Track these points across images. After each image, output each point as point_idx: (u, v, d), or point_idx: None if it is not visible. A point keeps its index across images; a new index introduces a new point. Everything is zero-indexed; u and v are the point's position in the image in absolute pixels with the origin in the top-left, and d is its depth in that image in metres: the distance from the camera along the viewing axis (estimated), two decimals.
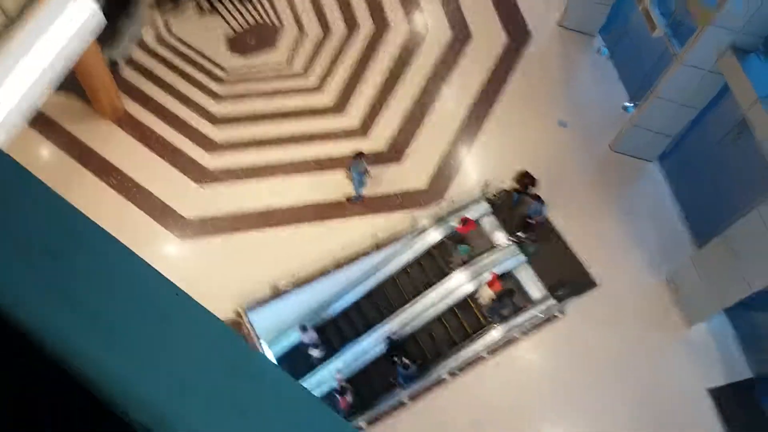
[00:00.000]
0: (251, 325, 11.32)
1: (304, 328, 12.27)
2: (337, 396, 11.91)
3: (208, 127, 14.67)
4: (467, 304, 13.00)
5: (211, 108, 15.09)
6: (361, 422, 11.08)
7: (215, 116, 14.96)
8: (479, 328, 12.70)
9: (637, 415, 11.69)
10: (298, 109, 15.36)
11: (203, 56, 16.40)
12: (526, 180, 13.11)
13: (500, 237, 13.29)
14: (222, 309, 11.60)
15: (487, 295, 12.49)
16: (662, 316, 12.56)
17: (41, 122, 13.72)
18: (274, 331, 12.21)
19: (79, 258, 0.91)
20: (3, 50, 9.61)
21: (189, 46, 16.46)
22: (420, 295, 13.13)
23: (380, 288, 13.54)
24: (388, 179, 14.03)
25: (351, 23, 16.89)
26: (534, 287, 12.68)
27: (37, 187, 1.02)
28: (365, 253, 12.75)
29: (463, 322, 12.99)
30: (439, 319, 13.10)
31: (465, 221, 12.95)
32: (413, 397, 11.66)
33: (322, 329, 13.14)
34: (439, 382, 11.83)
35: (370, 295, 13.46)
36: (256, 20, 17.15)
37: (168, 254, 12.74)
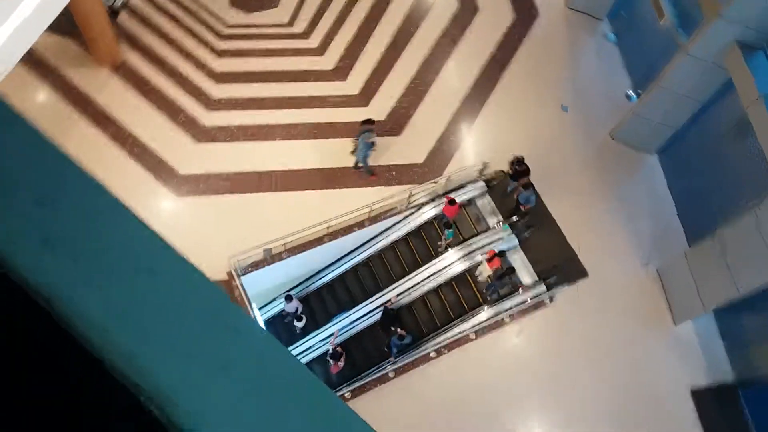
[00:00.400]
0: (243, 289, 11.29)
1: (289, 298, 12.25)
2: (330, 360, 12.00)
3: (207, 83, 14.40)
4: (466, 279, 13.13)
5: (211, 63, 14.79)
6: (346, 392, 11.19)
7: (215, 72, 14.68)
8: (477, 305, 12.85)
9: (616, 408, 11.82)
10: (298, 72, 15.14)
11: (204, 8, 16.03)
12: (519, 167, 13.06)
13: (494, 219, 13.35)
14: (214, 269, 11.54)
15: (485, 272, 12.60)
16: (650, 311, 12.72)
17: (37, 65, 13.33)
18: (264, 296, 12.22)
19: (66, 205, 0.90)
20: None
21: None
22: (418, 268, 13.22)
23: (374, 259, 13.64)
24: (386, 151, 13.93)
25: None
26: (525, 272, 12.79)
27: (25, 128, 1.01)
28: (360, 225, 12.74)
29: (461, 297, 13.14)
30: (436, 292, 13.24)
31: (451, 201, 12.88)
32: (398, 372, 11.73)
33: (308, 299, 13.24)
34: (426, 358, 11.94)
35: (364, 265, 13.55)
36: None
37: (161, 210, 12.58)
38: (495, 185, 13.66)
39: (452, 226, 13.05)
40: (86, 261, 0.86)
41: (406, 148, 13.79)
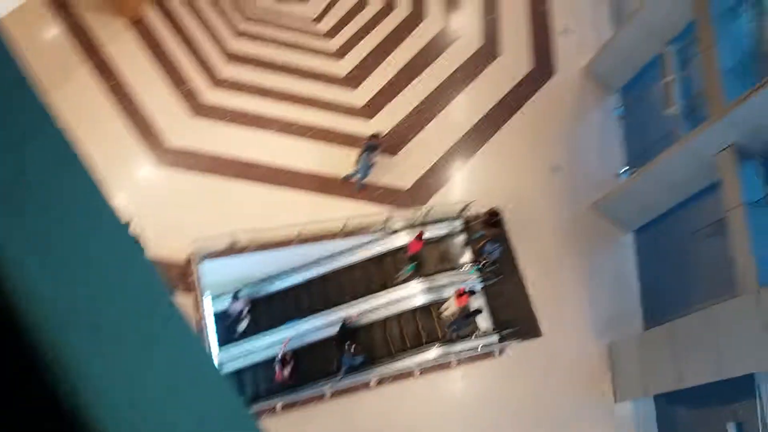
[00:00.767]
0: (199, 275, 11.15)
1: (236, 297, 11.88)
2: (276, 366, 11.84)
3: (219, 59, 14.41)
4: (429, 312, 13.15)
5: (228, 41, 14.81)
6: (278, 403, 11.05)
7: (229, 51, 14.70)
8: (435, 339, 12.86)
9: None
10: (310, 71, 15.19)
11: None
12: (491, 219, 13.14)
13: (463, 260, 13.41)
14: (176, 248, 11.42)
15: (452, 308, 12.61)
16: (594, 383, 12.80)
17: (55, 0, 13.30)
18: (220, 287, 12.07)
19: (32, 152, 0.90)
20: None
21: None
22: (382, 290, 13.22)
23: (336, 274, 13.59)
24: (377, 169, 13.99)
25: (389, 1, 16.69)
26: (482, 319, 12.85)
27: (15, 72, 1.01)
28: (331, 236, 12.72)
29: (420, 329, 13.13)
30: (397, 319, 13.22)
31: (419, 237, 12.87)
32: (335, 394, 11.59)
33: (259, 301, 13.12)
34: (366, 385, 11.85)
35: (325, 278, 13.50)
36: None
37: (139, 176, 12.47)
38: (471, 226, 13.74)
39: (413, 260, 13.06)
40: (38, 230, 0.84)
41: (396, 170, 13.87)
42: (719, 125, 11.61)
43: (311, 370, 12.69)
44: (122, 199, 11.99)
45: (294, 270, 13.29)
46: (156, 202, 11.98)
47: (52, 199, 0.90)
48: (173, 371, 0.89)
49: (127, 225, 10.44)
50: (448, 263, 13.61)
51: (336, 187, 13.53)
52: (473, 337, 12.66)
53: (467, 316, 12.51)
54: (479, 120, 15.32)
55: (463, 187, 14.38)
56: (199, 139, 13.12)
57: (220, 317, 12.12)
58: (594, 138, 16.01)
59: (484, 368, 12.45)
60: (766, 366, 9.75)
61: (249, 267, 12.38)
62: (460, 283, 13.03)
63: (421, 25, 16.50)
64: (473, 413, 12.15)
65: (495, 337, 12.58)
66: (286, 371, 11.84)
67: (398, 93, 15.33)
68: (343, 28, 16.21)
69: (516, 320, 12.71)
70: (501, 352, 12.57)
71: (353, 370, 12.22)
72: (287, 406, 11.18)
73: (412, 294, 13.26)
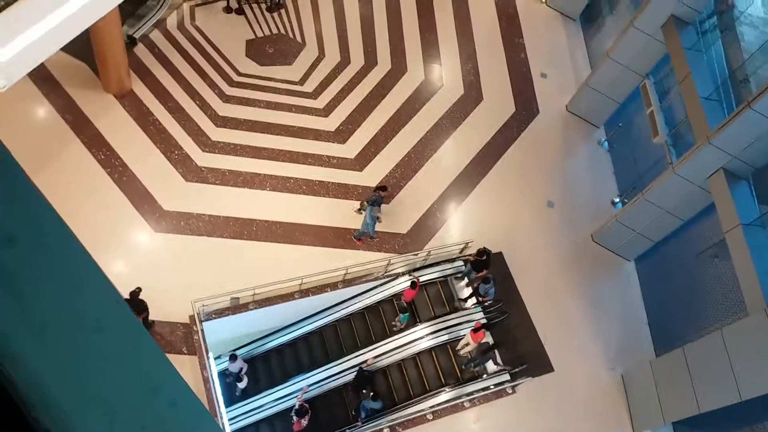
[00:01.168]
0: (202, 335, 11.01)
1: (233, 357, 11.70)
2: (294, 417, 11.50)
3: (208, 124, 14.61)
4: (446, 351, 12.96)
5: (216, 106, 15.06)
6: None
7: (218, 115, 14.92)
8: (455, 378, 12.64)
9: None
10: (299, 128, 15.42)
11: (219, 53, 16.46)
12: (479, 257, 13.07)
13: (469, 301, 13.32)
14: (178, 311, 11.34)
15: (468, 344, 12.42)
16: (610, 415, 12.59)
17: (45, 80, 13.57)
18: (224, 346, 11.90)
19: (33, 249, 0.90)
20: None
21: (208, 40, 16.52)
22: (390, 336, 13.04)
23: (342, 323, 13.43)
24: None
25: (370, 59, 17.18)
26: (491, 358, 12.67)
27: (7, 166, 1.01)
28: (333, 286, 12.64)
29: (439, 368, 12.90)
30: (414, 360, 13.02)
31: (413, 284, 12.75)
32: None
33: (267, 356, 12.91)
34: None
35: (332, 327, 13.33)
36: (280, 32, 17.32)
37: (137, 242, 12.47)
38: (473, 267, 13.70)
39: (407, 310, 12.93)
40: (34, 308, 0.86)
41: (392, 217, 13.90)
42: (705, 151, 11.83)
43: (329, 419, 12.39)
44: (122, 266, 11.92)
45: (298, 323, 13.10)
46: (156, 266, 11.92)
47: (50, 284, 0.91)
48: None
49: (136, 292, 10.40)
50: (452, 304, 13.49)
51: (333, 238, 13.54)
52: (495, 367, 12.47)
53: (486, 351, 12.30)
54: (469, 163, 15.54)
55: (461, 228, 14.44)
56: (194, 203, 13.17)
57: (221, 377, 11.90)
58: (584, 171, 16.27)
59: (499, 407, 12.22)
60: None
61: (252, 324, 12.23)
62: (468, 322, 12.90)
63: (402, 78, 16.93)
64: None
65: (506, 376, 12.38)
66: (304, 421, 11.46)
67: (387, 143, 15.57)
68: (328, 86, 16.55)
69: (526, 357, 12.54)
70: (514, 389, 12.35)
71: (372, 416, 11.90)
72: None
73: (421, 336, 13.04)
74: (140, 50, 15.29)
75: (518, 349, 12.74)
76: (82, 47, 12.68)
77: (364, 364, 12.37)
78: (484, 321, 12.73)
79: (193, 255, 12.47)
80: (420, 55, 17.50)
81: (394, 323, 13.15)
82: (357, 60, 17.12)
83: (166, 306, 11.28)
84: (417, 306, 13.46)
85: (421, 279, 13.31)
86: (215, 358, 11.84)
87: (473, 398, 12.13)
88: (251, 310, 11.83)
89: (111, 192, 12.68)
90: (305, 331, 13.33)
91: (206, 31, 16.59)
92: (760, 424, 10.45)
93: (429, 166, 15.31)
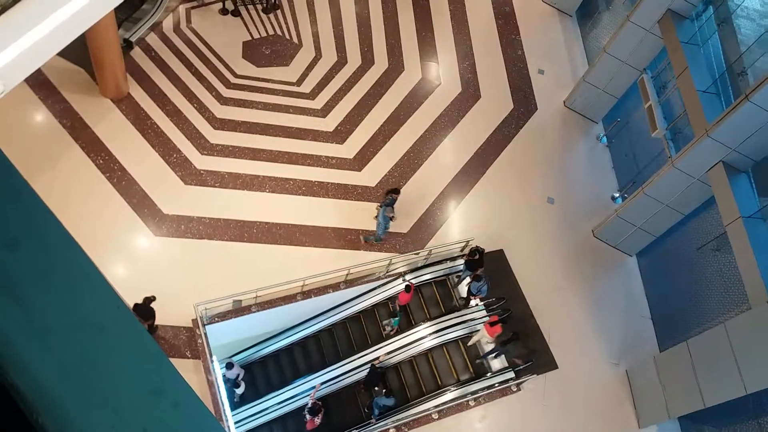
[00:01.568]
0: (206, 339, 11.00)
1: (230, 365, 11.59)
2: (307, 415, 11.44)
3: (206, 127, 14.60)
4: (458, 347, 12.92)
5: (213, 109, 15.05)
6: None
7: (216, 118, 14.91)
8: (468, 374, 12.59)
9: None
10: (298, 129, 15.41)
11: (216, 56, 16.42)
12: (471, 257, 12.96)
13: (472, 300, 13.29)
14: (181, 315, 11.33)
15: (486, 338, 12.36)
16: (615, 411, 12.58)
17: (42, 85, 13.57)
18: (228, 349, 11.88)
19: (34, 253, 0.91)
20: (21, 4, 9.53)
21: (204, 42, 16.49)
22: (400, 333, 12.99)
23: (348, 323, 13.39)
24: (371, 217, 14.05)
25: (367, 58, 17.17)
26: (495, 357, 12.66)
27: (8, 172, 1.01)
28: (335, 287, 12.63)
29: (451, 364, 12.84)
30: (426, 356, 12.94)
31: (407, 288, 12.62)
32: None
33: (276, 356, 12.89)
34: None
35: (336, 328, 13.31)
36: (276, 33, 17.31)
37: (138, 247, 12.46)
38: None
39: (398, 314, 12.85)
40: (37, 313, 0.86)
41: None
42: (704, 144, 11.83)
43: (341, 417, 12.38)
44: (123, 270, 11.92)
45: (302, 324, 13.07)
46: (157, 270, 11.91)
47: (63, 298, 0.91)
48: None
49: (149, 300, 10.44)
50: (450, 304, 13.46)
51: (334, 238, 13.54)
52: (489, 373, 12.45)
53: (506, 342, 12.22)
54: (468, 161, 15.53)
55: (461, 226, 14.43)
56: (194, 206, 13.16)
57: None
58: (584, 167, 16.27)
59: (504, 405, 12.22)
60: None
61: (255, 326, 12.22)
62: (472, 320, 12.90)
63: (400, 77, 16.91)
64: None
65: (510, 374, 12.37)
66: (318, 419, 11.42)
67: (385, 143, 15.56)
68: (325, 86, 16.53)
69: (530, 354, 12.52)
70: (518, 387, 12.35)
71: (385, 412, 11.92)
72: None
73: (431, 333, 12.98)
74: (137, 54, 15.28)
75: (522, 348, 12.71)
76: (79, 52, 12.67)
77: (376, 361, 12.32)
78: (500, 315, 12.66)
79: (194, 258, 12.45)
80: (417, 53, 17.50)
81: (384, 327, 13.02)
82: (354, 60, 17.12)
83: (169, 310, 11.28)
84: (426, 302, 13.41)
85: (419, 280, 13.26)
86: (227, 357, 11.85)
87: (478, 396, 12.13)
88: (254, 312, 11.82)
89: (110, 196, 12.67)
90: (310, 331, 13.28)
91: (202, 33, 16.57)
92: (766, 417, 10.44)
93: (428, 165, 15.30)
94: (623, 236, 14.44)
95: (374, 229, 13.55)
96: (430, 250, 13.39)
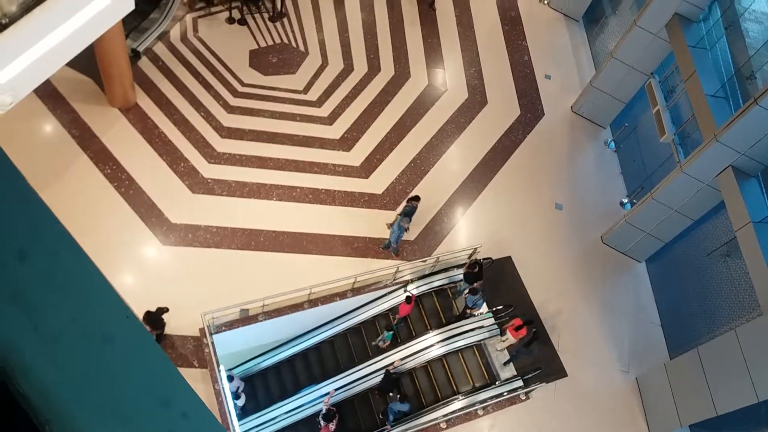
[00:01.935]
0: (213, 348, 11.00)
1: (230, 378, 11.55)
2: (321, 421, 11.39)
3: (213, 136, 14.66)
4: (473, 352, 12.83)
5: (221, 117, 15.11)
6: None
7: (223, 126, 14.97)
8: (482, 379, 12.50)
9: None
10: (304, 137, 15.45)
11: (223, 64, 16.51)
12: (471, 269, 12.83)
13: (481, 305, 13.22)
14: (188, 324, 11.35)
15: (509, 341, 12.26)
16: (626, 419, 12.47)
17: (50, 96, 13.68)
18: (234, 358, 11.88)
19: (43, 263, 0.91)
20: (30, 16, 9.63)
21: (211, 51, 16.59)
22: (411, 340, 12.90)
23: (358, 330, 13.34)
24: (378, 224, 14.05)
25: (374, 65, 17.21)
26: (504, 364, 12.57)
27: (17, 182, 1.01)
28: (342, 295, 12.61)
29: (467, 369, 12.72)
30: (441, 361, 12.84)
31: (408, 299, 12.48)
32: None
33: (278, 368, 12.83)
34: None
35: (345, 335, 13.25)
36: (282, 42, 17.39)
37: (146, 256, 12.50)
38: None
39: (393, 328, 12.70)
40: (46, 323, 0.86)
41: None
42: (713, 148, 11.78)
43: (356, 422, 12.31)
44: (131, 280, 11.95)
45: (310, 332, 13.03)
46: (165, 279, 11.94)
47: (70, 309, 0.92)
48: None
49: (161, 310, 10.52)
50: (454, 314, 13.38)
51: (341, 246, 13.53)
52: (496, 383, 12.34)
53: (528, 343, 12.12)
54: (475, 167, 15.51)
55: (469, 233, 14.39)
56: (201, 215, 13.20)
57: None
58: (592, 172, 16.22)
59: (512, 414, 12.13)
60: None
61: (263, 335, 12.20)
62: (477, 331, 12.81)
63: (406, 83, 16.94)
64: None
65: (519, 382, 12.28)
66: (332, 425, 11.35)
67: (392, 150, 15.57)
68: (332, 94, 16.58)
69: (539, 362, 12.43)
70: (527, 396, 12.25)
71: (400, 419, 11.87)
72: None
73: (442, 340, 12.87)
74: (144, 63, 15.38)
75: (530, 355, 12.63)
76: (87, 62, 12.75)
77: (391, 367, 12.25)
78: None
79: (202, 267, 12.48)
80: (423, 60, 17.53)
81: (379, 342, 12.86)
82: (360, 67, 17.16)
83: (176, 319, 11.31)
84: (426, 314, 13.32)
85: (420, 290, 13.11)
86: (234, 367, 11.83)
87: (487, 405, 12.04)
88: (261, 321, 11.81)
89: (118, 206, 12.73)
90: (314, 342, 13.24)
91: (209, 42, 16.66)
92: None
93: (435, 172, 15.29)
94: (632, 242, 14.35)
95: (386, 236, 13.53)
96: (438, 258, 13.35)
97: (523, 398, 12.25)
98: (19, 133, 12.91)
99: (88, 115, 13.81)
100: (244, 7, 17.39)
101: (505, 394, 12.12)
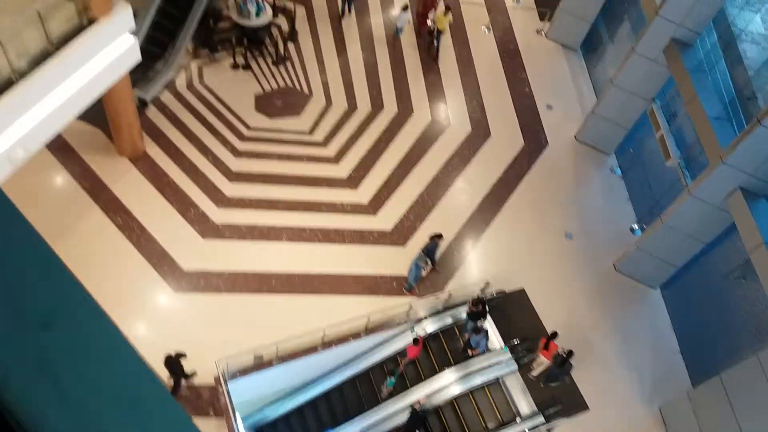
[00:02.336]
0: (228, 396, 10.86)
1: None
2: None
3: (222, 180, 14.79)
4: (499, 386, 12.54)
5: (229, 162, 15.27)
6: None
7: (231, 171, 15.12)
8: (510, 415, 12.20)
9: None
10: (312, 177, 15.56)
11: (229, 110, 16.77)
12: (475, 307, 12.52)
13: (494, 340, 13.04)
14: (203, 372, 11.27)
15: (542, 364, 12.03)
16: None
17: (60, 148, 13.91)
18: (250, 405, 11.69)
19: (67, 330, 0.92)
20: (39, 72, 9.87)
21: (217, 98, 16.87)
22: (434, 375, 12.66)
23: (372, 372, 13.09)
24: (389, 261, 14.02)
25: (377, 104, 17.42)
26: (523, 400, 12.29)
27: (39, 247, 1.02)
28: (356, 335, 12.49)
29: (494, 404, 12.40)
30: (468, 396, 12.49)
31: (415, 341, 12.15)
32: None
33: (303, 410, 12.58)
34: None
35: (360, 377, 13.02)
36: (287, 85, 17.67)
37: (159, 304, 12.52)
38: (496, 306, 13.48)
39: (395, 374, 12.35)
40: (71, 390, 0.86)
41: (409, 259, 13.78)
42: (720, 171, 11.77)
43: None
44: (144, 329, 11.94)
45: (325, 375, 12.81)
46: (178, 327, 11.94)
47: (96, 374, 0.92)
48: None
49: (180, 356, 10.54)
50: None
51: (353, 285, 13.49)
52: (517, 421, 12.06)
53: (563, 362, 11.82)
54: (482, 200, 15.54)
55: (480, 266, 14.33)
56: (212, 260, 13.24)
57: None
58: (599, 199, 16.19)
59: None
60: None
61: (278, 380, 12.03)
62: (494, 367, 12.61)
63: (409, 120, 17.11)
64: None
65: (540, 418, 12.01)
66: None
67: (399, 186, 15.63)
68: (337, 134, 16.76)
69: (559, 396, 12.19)
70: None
71: None
72: None
73: (464, 376, 12.61)
74: (152, 112, 15.65)
75: (550, 389, 12.39)
76: (95, 113, 12.96)
77: (417, 404, 11.98)
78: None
79: (215, 313, 12.47)
80: (425, 96, 17.73)
81: (381, 388, 12.52)
82: (363, 106, 17.38)
83: (191, 367, 11.24)
84: (435, 355, 12.96)
85: (427, 331, 12.93)
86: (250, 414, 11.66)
87: None
88: (275, 366, 11.68)
89: (131, 255, 12.81)
90: (337, 381, 12.95)
91: (215, 88, 16.96)
92: None
93: (442, 206, 15.32)
94: (645, 269, 14.22)
95: (395, 272, 13.49)
96: (450, 293, 13.26)
97: None
98: (31, 186, 13.08)
99: (98, 165, 14.01)
100: (248, 53, 17.73)
101: (527, 431, 11.84)
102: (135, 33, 11.64)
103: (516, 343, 12.83)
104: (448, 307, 13.26)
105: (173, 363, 10.84)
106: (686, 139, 13.91)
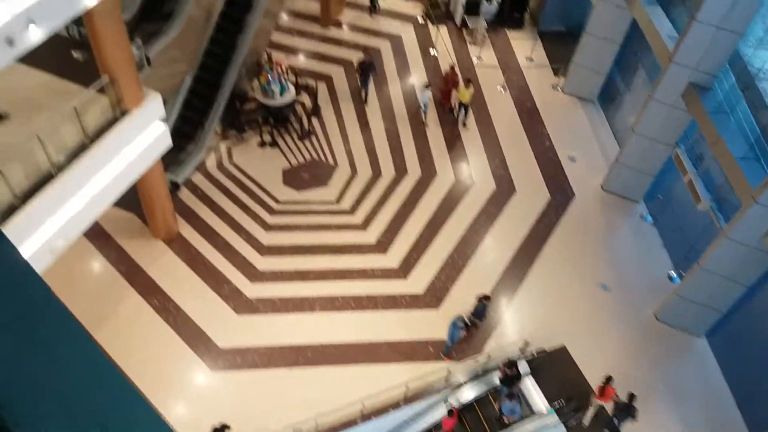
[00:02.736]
0: None
1: None
2: None
3: (254, 255, 15.05)
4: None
5: (260, 237, 15.56)
6: None
7: (263, 245, 15.38)
8: None
9: None
10: (341, 245, 15.71)
11: (259, 186, 17.22)
12: (509, 371, 12.20)
13: (539, 402, 12.60)
14: None
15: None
16: None
17: (97, 235, 14.40)
18: None
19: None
20: (76, 164, 10.36)
21: (246, 175, 17.38)
22: None
23: None
24: (423, 325, 13.88)
25: (400, 169, 17.70)
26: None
27: (91, 351, 1.07)
28: (395, 405, 12.23)
29: None
30: None
31: (450, 412, 11.71)
32: None
33: None
34: None
35: None
36: (312, 158, 18.13)
37: (197, 383, 12.56)
38: (538, 366, 13.12)
39: None
40: None
41: (445, 322, 13.61)
42: (753, 211, 11.55)
43: None
44: (183, 409, 11.91)
45: None
46: (217, 406, 11.91)
47: None
48: None
49: (225, 427, 10.50)
50: (522, 410, 12.73)
51: (388, 352, 13.33)
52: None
53: (625, 406, 11.40)
54: (513, 256, 15.42)
55: (516, 325, 14.06)
56: (247, 336, 13.32)
57: None
58: (632, 248, 15.90)
59: None
60: None
61: None
62: (541, 430, 12.15)
63: (433, 182, 17.29)
64: None
65: None
66: None
67: (428, 247, 15.65)
68: (363, 200, 17.01)
69: None
70: None
71: None
72: None
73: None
74: (184, 194, 16.17)
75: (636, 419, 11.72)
76: (129, 198, 13.46)
77: None
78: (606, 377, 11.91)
79: (252, 389, 12.43)
80: (447, 157, 17.96)
81: None
82: (388, 172, 17.66)
83: None
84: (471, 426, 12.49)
85: (461, 402, 12.58)
86: None
87: None
88: None
89: (168, 336, 12.99)
90: None
91: (244, 167, 17.50)
92: None
93: (473, 265, 15.23)
94: (687, 316, 13.76)
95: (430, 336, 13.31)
96: (489, 354, 12.99)
97: None
98: (71, 273, 13.48)
99: (134, 249, 14.43)
100: (273, 130, 18.35)
101: None
102: (165, 120, 12.24)
103: (562, 404, 12.40)
104: (487, 370, 12.95)
105: None
106: (715, 181, 13.72)
